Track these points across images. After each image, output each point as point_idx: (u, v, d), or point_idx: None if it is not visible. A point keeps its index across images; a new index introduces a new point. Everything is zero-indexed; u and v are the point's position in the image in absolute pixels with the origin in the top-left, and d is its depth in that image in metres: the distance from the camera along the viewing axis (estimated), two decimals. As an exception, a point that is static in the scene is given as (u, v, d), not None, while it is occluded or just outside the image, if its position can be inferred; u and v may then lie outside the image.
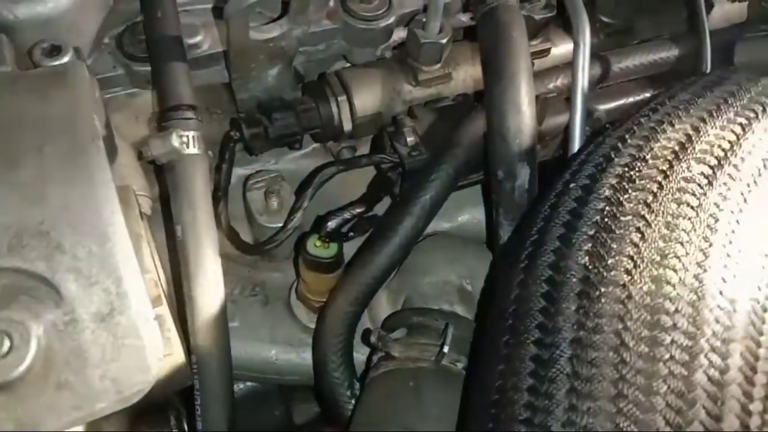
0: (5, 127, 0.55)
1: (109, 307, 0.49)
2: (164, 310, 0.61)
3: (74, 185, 0.51)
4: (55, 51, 0.62)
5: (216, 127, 0.80)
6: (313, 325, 0.77)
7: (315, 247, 0.70)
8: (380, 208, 0.78)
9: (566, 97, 0.76)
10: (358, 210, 0.74)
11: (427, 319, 0.68)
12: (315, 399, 0.77)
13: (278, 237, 0.73)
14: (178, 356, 0.62)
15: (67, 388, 0.48)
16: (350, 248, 0.75)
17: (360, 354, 0.74)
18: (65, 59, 0.62)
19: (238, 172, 0.83)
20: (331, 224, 0.71)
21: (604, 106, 0.80)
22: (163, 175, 0.68)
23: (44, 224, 0.50)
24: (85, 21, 0.70)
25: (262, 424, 0.89)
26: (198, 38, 0.75)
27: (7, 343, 0.47)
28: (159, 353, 0.50)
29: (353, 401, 0.70)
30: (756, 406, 0.46)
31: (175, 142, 0.65)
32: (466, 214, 0.86)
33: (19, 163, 0.53)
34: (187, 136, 0.66)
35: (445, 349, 0.62)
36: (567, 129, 0.74)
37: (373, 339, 0.66)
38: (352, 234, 0.74)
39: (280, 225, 0.76)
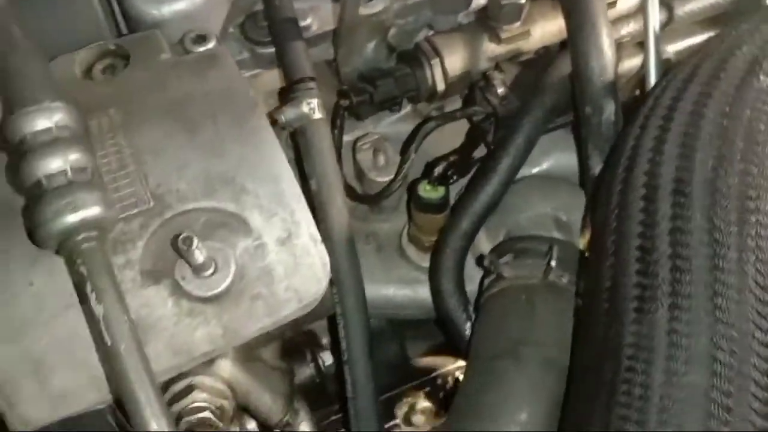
0: (178, 103, 0.67)
1: (287, 232, 0.61)
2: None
3: (247, 142, 0.64)
4: (201, 39, 0.74)
5: (324, 98, 0.91)
6: (424, 264, 0.88)
7: (426, 191, 0.81)
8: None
9: (637, 42, 0.85)
10: (460, 156, 0.84)
11: (530, 243, 0.78)
12: (436, 325, 0.87)
13: (393, 186, 0.84)
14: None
15: (260, 298, 0.60)
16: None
17: (469, 286, 0.85)
18: (211, 45, 0.74)
19: (345, 138, 0.94)
20: (439, 169, 0.81)
21: (672, 48, 0.88)
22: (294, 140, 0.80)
23: (228, 173, 0.62)
24: (214, 14, 0.82)
25: (380, 357, 1.00)
26: (308, 21, 0.86)
27: (212, 266, 0.59)
28: (327, 268, 0.61)
29: (469, 323, 0.81)
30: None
31: (305, 108, 0.76)
32: (552, 159, 0.95)
33: (197, 129, 0.65)
34: (313, 103, 0.77)
35: (552, 263, 0.72)
36: (642, 70, 0.82)
37: (485, 263, 0.76)
38: (455, 177, 0.84)
39: (389, 179, 0.87)
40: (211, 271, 0.58)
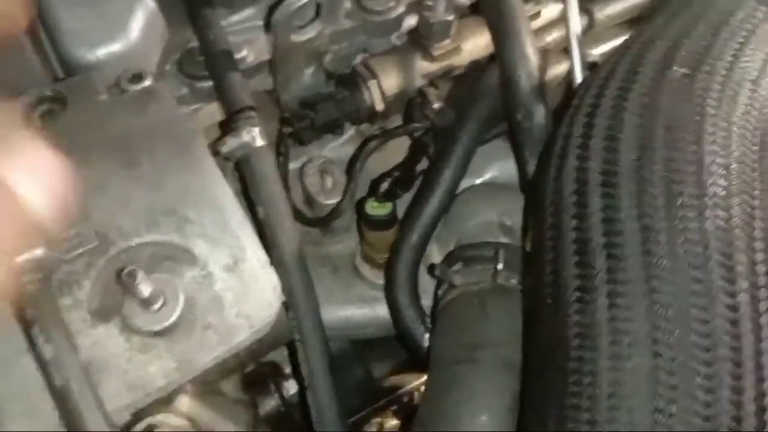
0: (118, 140, 0.68)
1: (234, 259, 0.61)
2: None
3: (188, 171, 0.64)
4: (137, 78, 0.75)
5: (267, 127, 0.92)
6: (380, 281, 0.89)
7: (373, 208, 0.83)
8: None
9: (563, 48, 0.88)
10: (403, 172, 0.86)
11: (478, 250, 0.80)
12: (396, 341, 0.88)
13: (341, 207, 0.85)
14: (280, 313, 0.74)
15: (212, 328, 0.60)
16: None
17: (424, 300, 0.86)
18: (147, 83, 0.75)
19: (290, 166, 0.96)
20: (384, 186, 0.83)
21: (597, 51, 0.92)
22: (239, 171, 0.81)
23: (171, 204, 0.63)
24: (150, 52, 0.83)
25: (346, 381, 1.00)
26: (244, 53, 0.88)
27: (160, 300, 0.59)
28: (278, 291, 0.62)
29: (427, 335, 0.82)
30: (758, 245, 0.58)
31: (246, 137, 0.77)
32: (495, 168, 0.97)
33: (138, 163, 0.65)
34: (254, 132, 0.78)
35: (500, 267, 0.74)
36: (568, 74, 0.86)
37: (437, 272, 0.78)
38: (400, 192, 0.86)
39: (337, 201, 0.88)
40: (159, 304, 0.59)
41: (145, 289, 0.56)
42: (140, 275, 0.54)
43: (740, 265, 0.56)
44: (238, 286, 0.61)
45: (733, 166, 0.60)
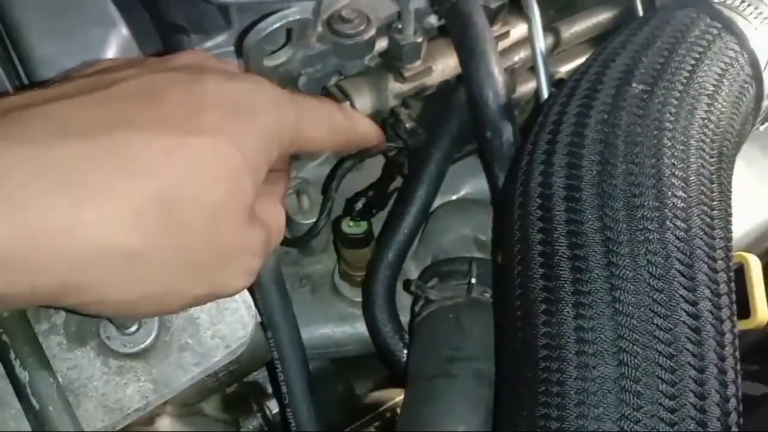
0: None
1: (208, 281, 0.62)
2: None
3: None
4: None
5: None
6: (358, 299, 0.90)
7: (348, 227, 0.84)
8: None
9: (530, 66, 0.91)
10: (378, 190, 0.87)
11: (453, 265, 0.81)
12: (376, 358, 0.89)
13: (317, 226, 0.87)
14: (258, 333, 0.75)
15: (188, 349, 0.61)
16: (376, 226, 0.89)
17: (404, 317, 0.87)
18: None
19: (268, 187, 0.97)
20: (359, 204, 0.84)
21: (563, 68, 0.95)
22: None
23: (145, 228, 0.64)
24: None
25: (328, 399, 1.01)
26: (218, 78, 0.89)
27: (136, 322, 0.60)
28: (252, 311, 0.63)
29: (406, 350, 0.83)
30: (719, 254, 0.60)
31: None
32: (469, 186, 0.99)
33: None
34: (229, 155, 0.80)
35: (473, 280, 0.75)
36: (536, 92, 0.88)
37: (412, 288, 0.79)
38: (375, 210, 0.88)
39: (314, 220, 0.90)
40: (135, 327, 0.60)
41: (121, 313, 0.56)
42: (115, 299, 0.55)
43: (701, 274, 0.58)
44: (212, 307, 0.62)
45: (692, 178, 0.62)
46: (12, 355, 0.52)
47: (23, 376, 0.51)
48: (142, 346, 0.59)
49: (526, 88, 0.90)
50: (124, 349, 0.59)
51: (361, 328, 0.90)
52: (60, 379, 0.56)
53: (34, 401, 0.51)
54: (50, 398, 0.51)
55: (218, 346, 0.61)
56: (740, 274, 0.80)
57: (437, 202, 0.90)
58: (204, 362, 0.61)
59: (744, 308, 0.78)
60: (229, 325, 0.62)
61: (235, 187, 0.49)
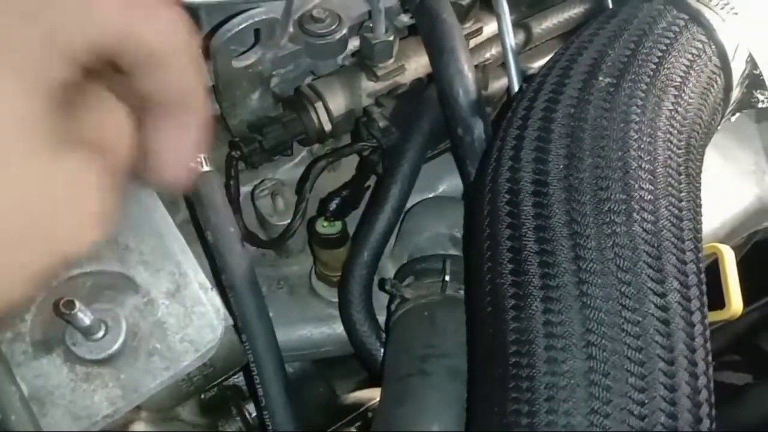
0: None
1: (176, 285, 0.62)
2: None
3: (126, 200, 0.65)
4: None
5: (216, 153, 0.93)
6: (335, 299, 0.90)
7: (323, 227, 0.84)
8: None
9: (502, 62, 0.90)
10: (351, 190, 0.87)
11: (428, 263, 0.81)
12: (354, 358, 0.89)
13: (292, 226, 0.86)
14: (232, 336, 0.75)
15: (156, 353, 0.60)
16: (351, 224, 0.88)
17: (381, 316, 0.87)
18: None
19: (242, 189, 0.96)
20: (333, 204, 0.84)
21: (535, 64, 0.94)
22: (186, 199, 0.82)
23: (111, 234, 0.63)
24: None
25: (309, 400, 1.01)
26: (188, 80, 0.89)
27: (102, 328, 0.59)
28: (221, 314, 0.63)
29: (382, 349, 0.83)
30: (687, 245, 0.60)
31: (192, 163, 0.78)
32: (445, 183, 0.99)
33: (78, 194, 0.66)
34: (201, 157, 0.79)
35: (447, 278, 0.75)
36: (508, 89, 0.88)
37: (387, 287, 0.79)
38: (348, 210, 0.87)
39: (289, 221, 0.89)
40: (102, 333, 0.59)
41: (85, 318, 0.56)
42: (78, 305, 0.54)
43: (669, 266, 0.58)
44: (180, 311, 0.61)
45: (659, 170, 0.62)
46: (-27, 365, 0.51)
47: (-16, 385, 0.51)
48: (110, 351, 0.59)
49: (498, 84, 0.90)
50: (91, 356, 0.58)
51: (339, 328, 0.90)
52: (25, 388, 0.55)
53: (-4, 411, 0.50)
54: (13, 408, 0.50)
55: (187, 350, 0.61)
56: (714, 265, 0.80)
57: (414, 200, 0.90)
58: (173, 366, 0.60)
59: (719, 299, 0.78)
60: (198, 329, 0.61)
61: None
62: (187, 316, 0.61)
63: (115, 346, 0.59)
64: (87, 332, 0.58)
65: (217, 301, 0.63)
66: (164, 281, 0.62)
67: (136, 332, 0.60)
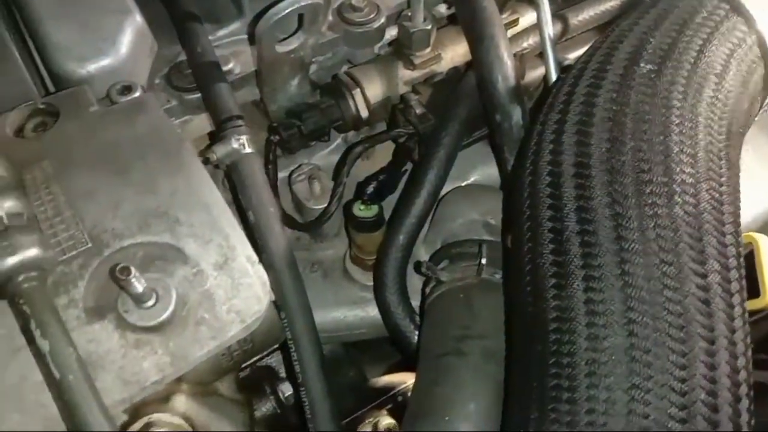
0: (108, 148, 0.71)
1: (224, 257, 0.64)
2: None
3: (177, 175, 0.67)
4: (127, 89, 0.78)
5: (255, 137, 0.95)
6: (369, 283, 0.91)
7: (360, 210, 0.85)
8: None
9: (538, 53, 0.92)
10: (388, 174, 0.88)
11: (463, 248, 0.82)
12: (388, 341, 0.90)
13: (329, 210, 0.88)
14: (272, 313, 0.76)
15: (204, 323, 0.62)
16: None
17: (415, 301, 0.88)
18: (136, 94, 0.78)
19: (279, 175, 0.98)
20: (370, 188, 0.86)
21: (572, 55, 0.95)
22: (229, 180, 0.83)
23: (161, 207, 0.65)
24: (139, 67, 0.86)
25: (340, 383, 1.02)
26: (230, 65, 0.91)
27: (153, 297, 0.61)
28: (267, 287, 0.64)
29: (416, 331, 0.84)
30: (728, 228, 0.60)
31: (234, 144, 0.80)
32: (478, 172, 1.00)
33: (128, 169, 0.68)
34: (242, 139, 0.81)
35: (483, 261, 0.76)
36: (545, 77, 0.89)
37: (423, 269, 0.80)
38: (386, 194, 0.89)
39: (325, 205, 0.91)
40: (152, 301, 0.61)
41: (138, 285, 0.58)
42: (133, 271, 0.56)
43: (710, 247, 0.59)
44: (228, 282, 0.63)
45: (700, 154, 0.63)
46: (33, 325, 0.53)
47: (44, 346, 0.52)
48: (160, 320, 0.60)
49: (534, 74, 0.91)
50: (141, 323, 0.60)
51: (372, 311, 0.91)
52: (79, 352, 0.57)
53: (54, 370, 0.52)
54: (71, 368, 0.52)
55: (234, 320, 0.62)
56: (750, 255, 0.80)
57: (446, 189, 0.91)
58: (220, 336, 0.62)
59: (754, 288, 0.78)
60: (245, 300, 0.63)
61: None
62: (235, 287, 0.63)
63: (165, 315, 0.60)
64: (139, 300, 0.59)
65: (263, 273, 0.64)
66: (213, 253, 0.63)
67: (186, 302, 0.62)
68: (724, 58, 0.69)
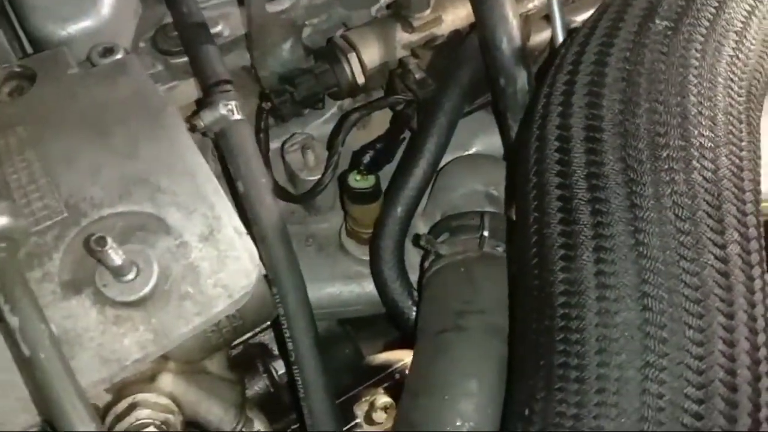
0: (87, 113, 0.66)
1: (209, 228, 0.60)
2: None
3: (160, 140, 0.63)
4: (108, 51, 0.74)
5: (245, 104, 0.91)
6: (365, 257, 0.87)
7: (356, 181, 0.81)
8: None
9: (544, 15, 0.87)
10: (385, 143, 0.84)
11: (463, 220, 0.78)
12: (385, 318, 0.86)
13: (323, 180, 0.83)
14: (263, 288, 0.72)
15: (188, 298, 0.58)
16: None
17: (413, 276, 0.84)
18: (118, 56, 0.73)
19: (272, 145, 0.94)
20: (366, 157, 0.81)
21: (579, 18, 0.90)
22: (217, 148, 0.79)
23: (143, 173, 0.61)
24: (123, 29, 0.81)
25: (336, 361, 0.99)
26: (219, 28, 0.86)
27: (134, 269, 0.57)
28: (256, 259, 0.60)
29: (414, 307, 0.80)
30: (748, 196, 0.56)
31: (223, 110, 0.75)
32: (480, 142, 0.96)
33: (109, 133, 0.64)
34: (231, 105, 0.76)
35: (485, 233, 0.72)
36: (551, 41, 0.84)
37: (422, 242, 0.76)
38: (382, 163, 0.84)
39: (319, 177, 0.87)
40: (133, 274, 0.57)
41: (116, 257, 0.54)
42: (109, 241, 0.52)
43: (729, 216, 0.55)
44: (214, 254, 0.59)
45: (719, 117, 0.59)
46: (1, 300, 0.49)
47: (13, 322, 0.49)
48: (141, 294, 0.57)
49: (540, 37, 0.87)
50: (121, 298, 0.56)
51: (368, 287, 0.87)
52: (54, 329, 0.53)
53: (24, 348, 0.48)
54: (41, 345, 0.48)
55: (221, 295, 0.58)
56: None
57: (447, 159, 0.87)
58: (206, 312, 0.58)
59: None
60: (232, 274, 0.59)
61: None
62: (221, 260, 0.59)
63: (147, 289, 0.57)
64: (117, 273, 0.56)
65: (252, 246, 0.60)
66: (197, 224, 0.59)
67: (168, 275, 0.58)
68: (745, 14, 0.64)
